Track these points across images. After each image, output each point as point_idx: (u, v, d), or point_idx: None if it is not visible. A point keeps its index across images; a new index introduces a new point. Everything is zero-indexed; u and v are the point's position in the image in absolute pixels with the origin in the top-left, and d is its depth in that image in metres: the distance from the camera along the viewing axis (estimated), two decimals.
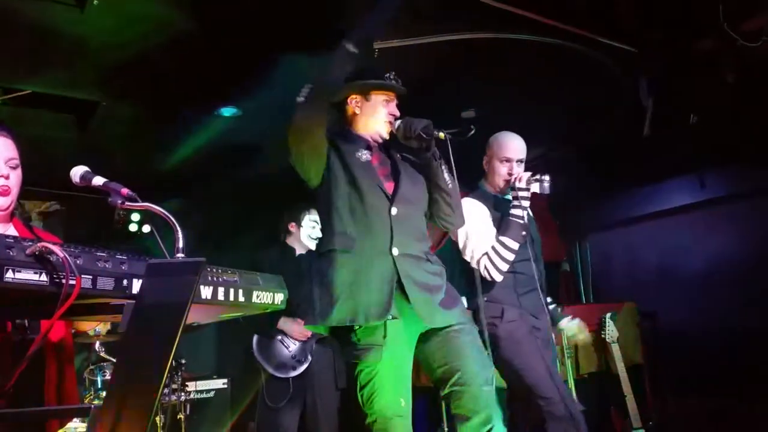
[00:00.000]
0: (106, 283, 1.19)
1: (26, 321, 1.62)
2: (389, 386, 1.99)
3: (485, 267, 2.62)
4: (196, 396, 4.25)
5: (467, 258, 2.70)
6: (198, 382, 4.31)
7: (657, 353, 4.57)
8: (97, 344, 3.63)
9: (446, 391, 2.07)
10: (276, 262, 3.55)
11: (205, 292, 1.29)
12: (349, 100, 2.25)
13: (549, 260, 5.59)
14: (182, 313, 1.17)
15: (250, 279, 1.38)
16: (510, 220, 2.65)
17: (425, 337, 2.13)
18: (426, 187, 2.26)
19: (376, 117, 2.24)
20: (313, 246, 3.63)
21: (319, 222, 3.55)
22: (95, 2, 2.69)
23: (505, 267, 2.60)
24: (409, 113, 2.24)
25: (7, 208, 1.78)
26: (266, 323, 3.43)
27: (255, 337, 3.53)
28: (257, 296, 1.39)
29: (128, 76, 3.49)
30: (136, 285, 1.21)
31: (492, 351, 2.47)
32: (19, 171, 1.80)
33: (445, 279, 2.23)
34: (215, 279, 1.32)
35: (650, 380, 4.41)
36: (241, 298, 1.35)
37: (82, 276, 1.13)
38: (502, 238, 2.61)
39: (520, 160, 2.82)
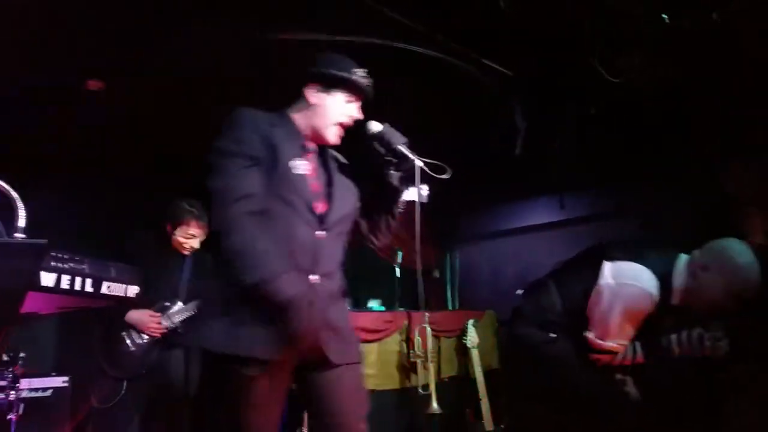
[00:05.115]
0: None
1: None
2: None
3: None
4: (30, 395, 3.83)
5: None
6: (33, 380, 3.89)
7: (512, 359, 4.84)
8: None
9: None
10: (151, 246, 3.32)
11: (47, 278, 1.15)
12: (306, 89, 1.96)
13: (422, 267, 5.84)
14: (17, 301, 1.04)
15: (100, 268, 1.25)
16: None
17: None
18: (357, 197, 2.03)
19: (331, 118, 1.96)
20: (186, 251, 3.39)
21: (197, 235, 3.36)
22: None
23: None
24: None
25: None
26: (114, 315, 3.17)
27: (97, 328, 3.26)
28: (108, 287, 1.26)
29: None
30: None
31: None
32: None
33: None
34: (60, 265, 1.17)
35: (505, 384, 4.67)
36: (89, 288, 1.21)
37: None
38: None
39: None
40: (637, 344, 2.38)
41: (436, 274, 5.82)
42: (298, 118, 1.97)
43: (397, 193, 2.03)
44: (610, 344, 2.33)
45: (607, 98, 3.65)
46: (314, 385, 1.87)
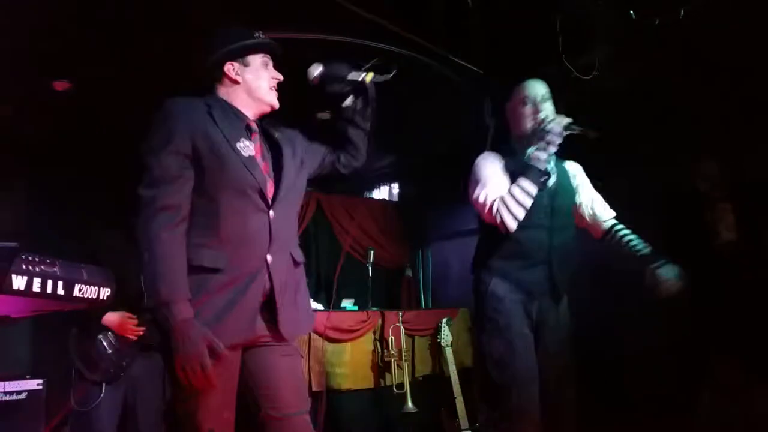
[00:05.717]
0: None
1: None
2: None
3: (498, 212, 2.32)
4: (4, 398, 3.80)
5: (480, 204, 2.40)
6: (6, 383, 3.85)
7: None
8: None
9: None
10: (119, 248, 3.29)
11: (18, 282, 1.17)
12: (226, 70, 1.92)
13: (395, 266, 5.88)
14: None
15: (71, 270, 1.27)
16: (529, 163, 2.34)
17: None
18: (307, 160, 2.04)
19: (260, 83, 1.95)
20: None
21: None
22: None
23: (521, 214, 2.31)
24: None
25: None
26: (90, 317, 3.15)
27: (73, 331, 3.23)
28: (79, 290, 1.28)
29: None
30: None
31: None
32: None
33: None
34: (31, 268, 1.19)
35: (479, 383, 4.73)
36: (61, 291, 1.24)
37: None
38: (520, 181, 2.32)
39: (545, 98, 2.51)
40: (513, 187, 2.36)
41: (409, 272, 5.86)
42: (233, 99, 1.93)
43: (360, 111, 2.10)
44: (486, 192, 2.39)
45: (577, 95, 3.72)
46: (255, 360, 1.85)
